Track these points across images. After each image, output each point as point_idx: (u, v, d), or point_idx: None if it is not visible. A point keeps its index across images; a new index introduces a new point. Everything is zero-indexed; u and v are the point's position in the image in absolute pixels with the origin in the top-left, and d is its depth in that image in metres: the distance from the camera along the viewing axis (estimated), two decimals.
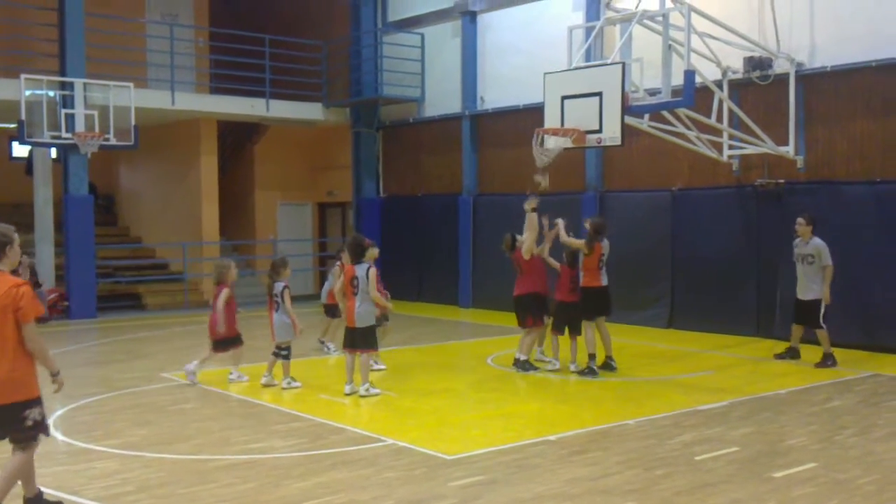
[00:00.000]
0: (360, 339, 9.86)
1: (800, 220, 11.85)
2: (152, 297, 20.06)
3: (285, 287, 10.52)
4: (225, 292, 10.69)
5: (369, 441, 7.94)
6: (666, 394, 10.16)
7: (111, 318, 17.87)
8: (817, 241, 11.68)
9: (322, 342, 13.02)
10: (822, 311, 11.63)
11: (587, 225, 11.63)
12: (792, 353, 12.17)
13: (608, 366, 11.26)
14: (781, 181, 13.98)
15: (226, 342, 10.82)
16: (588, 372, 10.99)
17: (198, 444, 7.94)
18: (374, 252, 10.59)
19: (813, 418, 8.78)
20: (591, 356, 11.09)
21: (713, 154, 13.83)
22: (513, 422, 8.84)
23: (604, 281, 11.37)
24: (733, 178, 14.72)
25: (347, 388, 9.93)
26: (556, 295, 11.49)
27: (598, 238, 11.28)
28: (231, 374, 10.91)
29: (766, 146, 13.47)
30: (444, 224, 19.30)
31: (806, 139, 13.85)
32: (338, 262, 11.92)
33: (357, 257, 9.88)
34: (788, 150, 13.64)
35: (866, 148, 13.29)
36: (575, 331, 11.37)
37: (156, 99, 18.51)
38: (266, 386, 10.47)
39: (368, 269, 9.77)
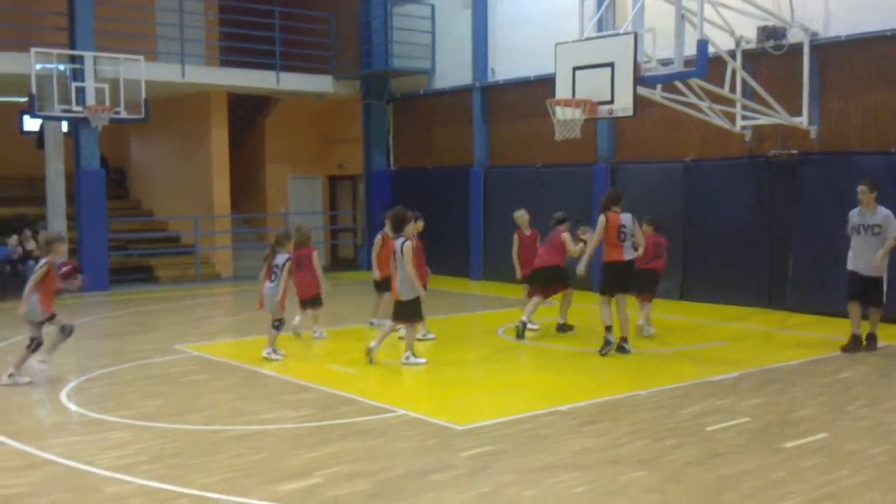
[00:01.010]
0: (400, 312, 10.00)
1: (862, 187, 10.66)
2: (164, 269, 20.13)
3: (288, 259, 10.59)
4: (316, 254, 11.39)
5: (380, 412, 7.97)
6: (677, 365, 10.16)
7: (123, 290, 17.96)
8: (884, 210, 10.59)
9: (371, 323, 12.46)
10: (885, 287, 10.63)
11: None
12: (857, 343, 10.72)
13: (622, 348, 10.58)
14: (794, 152, 13.87)
15: (315, 300, 11.68)
16: (604, 346, 10.53)
17: (209, 415, 7.99)
18: (418, 225, 10.71)
19: (824, 389, 8.77)
20: (608, 328, 10.58)
21: (726, 125, 13.72)
22: (523, 393, 8.86)
23: (626, 255, 10.63)
24: (746, 148, 14.61)
25: (373, 344, 10.07)
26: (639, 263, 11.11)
27: (609, 209, 10.68)
28: (314, 332, 11.76)
29: (780, 117, 13.35)
30: (455, 196, 19.26)
31: (820, 109, 13.72)
32: (380, 233, 12.04)
33: (397, 230, 9.94)
34: (802, 120, 13.53)
35: (881, 118, 13.16)
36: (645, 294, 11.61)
37: (166, 72, 18.46)
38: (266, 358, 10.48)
39: (404, 243, 9.82)
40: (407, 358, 10.03)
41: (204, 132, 20.93)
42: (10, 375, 9.17)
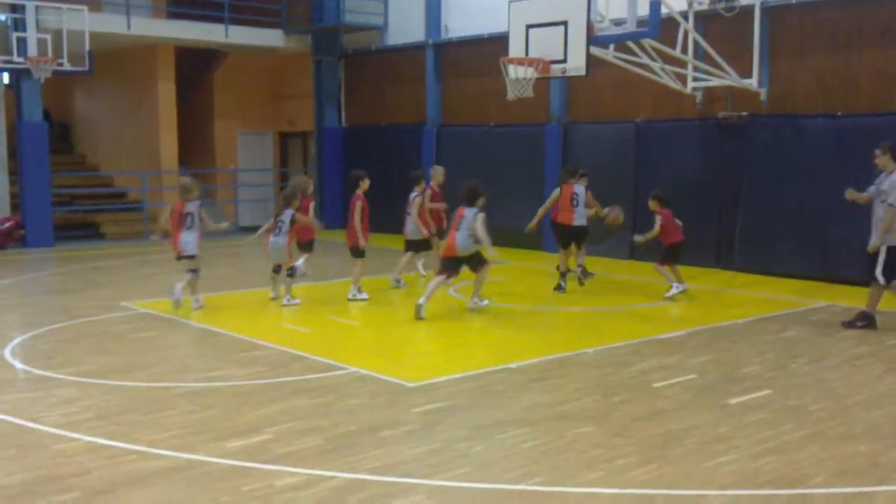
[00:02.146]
0: (472, 263, 10.74)
1: (877, 150, 9.72)
2: (110, 226, 19.80)
3: (293, 214, 11.19)
4: (313, 205, 12.26)
5: (331, 369, 7.97)
6: (626, 323, 10.28)
7: (69, 247, 17.63)
8: None
9: (398, 281, 12.81)
10: (882, 260, 9.48)
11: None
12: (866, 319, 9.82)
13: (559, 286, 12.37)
14: (744, 114, 14.02)
15: (309, 245, 12.95)
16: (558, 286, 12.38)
17: (158, 372, 7.91)
18: (364, 184, 11.78)
19: (768, 347, 8.95)
20: (562, 274, 12.49)
21: (677, 86, 13.80)
22: (475, 350, 8.92)
23: (576, 221, 12.17)
24: (697, 110, 14.73)
25: (422, 300, 10.39)
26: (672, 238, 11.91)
27: (566, 181, 12.27)
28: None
29: (730, 79, 13.46)
30: (408, 155, 19.12)
31: (769, 72, 13.86)
32: (413, 194, 12.80)
33: (471, 201, 10.70)
34: (752, 82, 13.65)
35: (828, 82, 13.34)
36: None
37: (111, 23, 18.00)
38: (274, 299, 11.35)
39: (477, 213, 10.58)
40: (475, 304, 10.88)
41: (150, 86, 20.52)
42: None
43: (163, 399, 7.05)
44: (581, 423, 6.41)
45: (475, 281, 10.88)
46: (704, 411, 6.72)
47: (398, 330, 10.03)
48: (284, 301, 11.14)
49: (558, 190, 12.32)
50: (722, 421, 6.48)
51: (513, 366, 8.08)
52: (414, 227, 12.64)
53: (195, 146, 22.18)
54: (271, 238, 11.20)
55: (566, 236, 12.39)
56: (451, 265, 10.74)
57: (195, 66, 22.43)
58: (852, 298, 11.72)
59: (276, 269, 11.41)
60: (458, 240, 10.55)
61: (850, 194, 10.22)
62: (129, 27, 18.14)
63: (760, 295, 12.13)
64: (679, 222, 12.03)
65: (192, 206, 10.89)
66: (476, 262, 10.78)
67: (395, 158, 19.49)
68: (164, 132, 20.42)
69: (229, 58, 21.77)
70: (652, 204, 12.04)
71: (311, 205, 12.79)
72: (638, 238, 12.23)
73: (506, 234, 16.78)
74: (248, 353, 8.61)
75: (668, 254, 11.94)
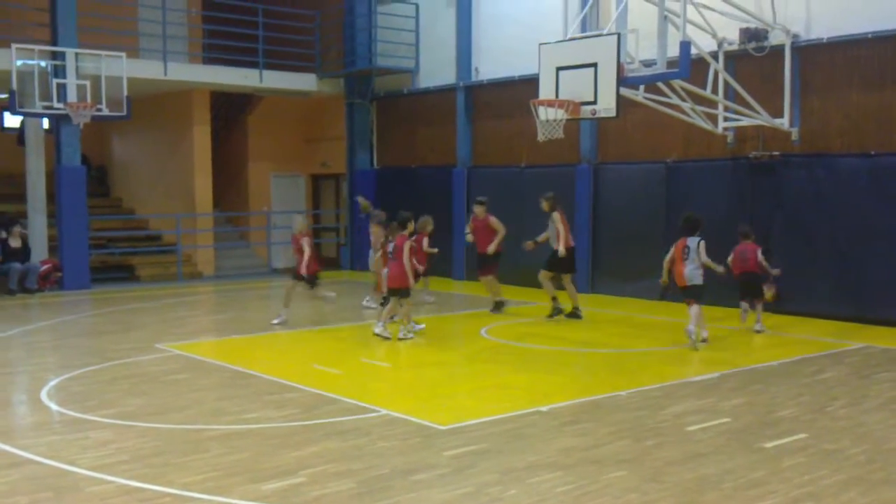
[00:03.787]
0: (694, 293, 11.39)
1: None
2: (145, 268, 20.03)
3: (405, 241, 11.75)
4: (408, 244, 11.84)
5: (363, 412, 7.97)
6: (658, 365, 10.21)
7: (104, 289, 17.85)
8: None
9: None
10: None
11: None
12: None
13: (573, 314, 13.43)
14: (776, 153, 13.97)
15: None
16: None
17: (192, 414, 7.96)
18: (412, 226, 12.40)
19: (804, 389, 8.84)
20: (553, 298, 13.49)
21: (708, 126, 13.80)
22: (505, 392, 8.88)
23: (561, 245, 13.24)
24: (728, 150, 14.70)
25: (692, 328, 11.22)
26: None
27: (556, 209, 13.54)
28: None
29: (761, 118, 13.44)
30: (439, 196, 19.24)
31: (801, 111, 13.83)
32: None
33: (692, 232, 11.47)
34: (783, 122, 13.62)
35: (861, 120, 13.27)
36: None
37: (148, 69, 18.37)
38: (380, 335, 11.51)
39: (699, 242, 11.37)
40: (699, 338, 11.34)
41: (186, 130, 20.85)
42: None
43: (196, 441, 7.09)
44: (615, 467, 6.36)
45: (696, 314, 11.33)
46: (739, 455, 6.64)
47: (429, 372, 10.02)
48: (401, 334, 11.62)
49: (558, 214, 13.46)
50: (757, 465, 6.39)
51: (544, 408, 8.04)
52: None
53: (229, 188, 22.46)
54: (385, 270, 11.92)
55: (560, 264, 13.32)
56: (688, 295, 11.51)
57: (230, 109, 22.81)
58: (889, 340, 11.57)
59: (388, 298, 12.04)
60: (688, 272, 11.32)
61: None
62: (165, 72, 18.49)
63: (795, 336, 11.99)
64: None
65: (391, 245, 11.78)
66: (698, 292, 11.44)
67: (427, 200, 19.60)
68: (198, 175, 20.71)
69: (263, 101, 22.10)
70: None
71: (424, 240, 13.63)
72: (528, 244, 13.88)
73: (537, 275, 16.78)
74: (281, 396, 8.64)
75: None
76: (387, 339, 11.44)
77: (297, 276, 12.89)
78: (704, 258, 11.37)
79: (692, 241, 11.46)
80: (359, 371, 9.97)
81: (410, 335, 11.65)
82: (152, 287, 18.50)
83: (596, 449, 6.83)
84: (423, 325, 12.12)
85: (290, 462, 6.49)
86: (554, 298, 13.33)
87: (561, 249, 13.15)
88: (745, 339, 12.00)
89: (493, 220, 14.06)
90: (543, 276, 13.38)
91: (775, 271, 12.42)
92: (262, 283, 18.75)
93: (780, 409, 8.04)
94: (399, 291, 11.69)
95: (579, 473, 6.23)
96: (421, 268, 12.71)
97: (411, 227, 12.20)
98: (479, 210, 14.21)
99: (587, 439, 7.10)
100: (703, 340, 11.27)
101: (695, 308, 11.29)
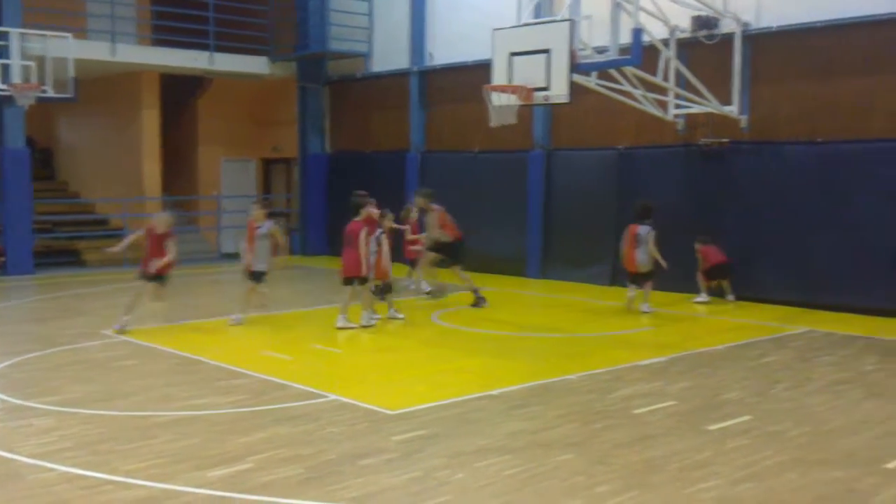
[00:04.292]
0: (643, 279, 12.52)
1: None
2: (92, 253, 19.69)
3: (383, 233, 11.79)
4: (364, 231, 11.53)
5: (312, 397, 7.93)
6: (607, 349, 10.30)
7: (49, 274, 17.53)
8: None
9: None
10: None
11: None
12: None
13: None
14: (726, 140, 14.13)
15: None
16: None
17: (138, 401, 7.85)
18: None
19: (749, 373, 8.97)
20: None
21: (659, 113, 13.89)
22: (456, 377, 8.89)
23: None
24: (679, 136, 14.83)
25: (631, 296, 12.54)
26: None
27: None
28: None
29: (711, 106, 13.58)
30: (392, 181, 19.16)
31: (750, 99, 13.99)
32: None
33: (643, 219, 12.33)
34: (733, 109, 13.77)
35: (809, 108, 13.47)
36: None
37: (95, 50, 18.01)
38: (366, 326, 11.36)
39: (650, 231, 12.28)
40: (648, 307, 12.54)
41: (134, 112, 20.51)
42: None
43: (142, 428, 6.99)
44: (562, 451, 6.40)
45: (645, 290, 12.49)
46: (685, 437, 6.72)
47: (380, 357, 10.00)
48: (390, 315, 11.83)
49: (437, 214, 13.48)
50: (703, 447, 6.48)
51: (495, 392, 8.07)
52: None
53: (178, 173, 22.15)
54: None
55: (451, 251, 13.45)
56: (635, 280, 12.51)
57: (179, 92, 22.45)
58: (833, 324, 11.80)
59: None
60: (639, 258, 12.28)
61: None
62: (113, 54, 18.16)
63: (742, 321, 12.18)
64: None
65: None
66: (650, 276, 12.46)
67: (380, 185, 19.51)
68: (147, 159, 20.40)
69: (214, 84, 21.80)
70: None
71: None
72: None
73: (489, 260, 16.85)
74: (229, 382, 8.55)
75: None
76: (352, 328, 11.28)
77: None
78: (653, 248, 12.14)
79: (643, 229, 12.22)
80: (309, 357, 9.91)
81: (373, 321, 11.51)
82: (99, 272, 18.19)
83: (545, 432, 6.87)
84: (379, 316, 11.88)
85: (237, 448, 6.43)
86: (475, 290, 13.29)
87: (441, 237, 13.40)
88: (693, 323, 12.16)
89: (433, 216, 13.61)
90: (431, 260, 13.62)
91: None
92: (211, 269, 18.55)
93: (726, 392, 8.16)
94: (353, 280, 11.47)
95: (527, 457, 6.26)
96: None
97: (365, 212, 11.66)
98: (420, 202, 14.01)
99: (536, 423, 7.14)
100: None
101: (647, 286, 12.42)
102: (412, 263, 14.84)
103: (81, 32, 18.24)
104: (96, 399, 7.86)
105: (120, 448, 6.44)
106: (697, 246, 13.74)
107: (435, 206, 13.60)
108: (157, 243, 11.41)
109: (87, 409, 7.52)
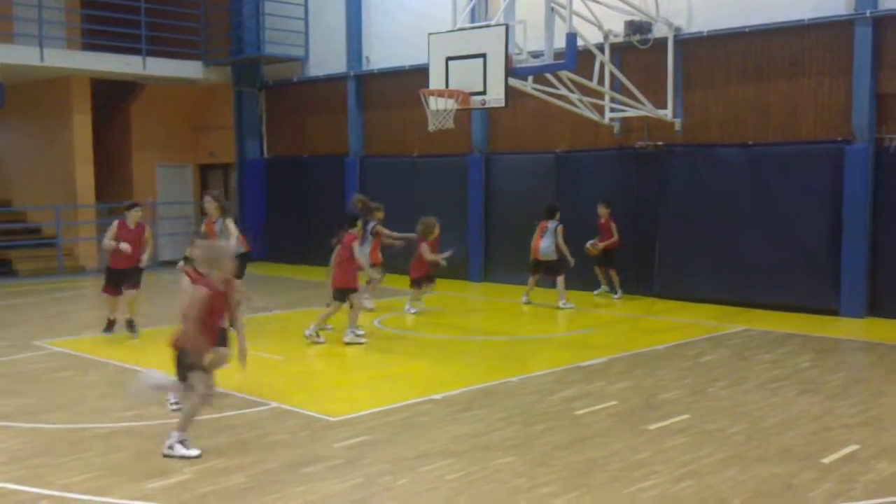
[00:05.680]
0: (546, 267, 13.67)
1: None
2: (24, 262, 19.19)
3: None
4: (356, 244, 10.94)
5: (253, 405, 7.84)
6: (549, 351, 10.38)
7: None
8: None
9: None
10: None
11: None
12: None
13: None
14: (660, 143, 14.35)
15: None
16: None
17: (73, 413, 7.67)
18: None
19: (687, 372, 9.12)
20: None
21: (595, 117, 14.06)
22: (399, 382, 8.88)
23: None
24: (614, 140, 15.03)
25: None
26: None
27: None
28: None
29: (646, 109, 13.78)
30: (330, 186, 19.08)
31: (684, 103, 14.24)
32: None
33: (550, 216, 13.67)
34: (667, 113, 14.00)
35: (740, 112, 13.76)
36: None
37: (23, 55, 17.59)
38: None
39: (557, 225, 13.61)
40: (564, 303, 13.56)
41: (65, 118, 20.05)
42: None
43: (78, 441, 6.83)
44: (504, 453, 6.43)
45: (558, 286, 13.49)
46: (625, 437, 6.80)
47: (322, 363, 9.95)
48: (348, 338, 10.67)
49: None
50: (642, 447, 6.56)
51: (437, 397, 8.07)
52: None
53: (112, 179, 21.69)
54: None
55: None
56: (535, 267, 13.69)
57: (112, 97, 22.01)
58: (768, 322, 12.06)
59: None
60: (543, 247, 13.50)
61: None
62: (42, 59, 17.75)
63: (679, 321, 12.37)
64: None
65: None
66: (555, 267, 13.45)
67: (318, 190, 19.44)
68: (79, 165, 19.95)
69: (147, 89, 21.43)
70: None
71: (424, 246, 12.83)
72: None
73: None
74: (166, 392, 8.39)
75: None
76: (318, 341, 10.72)
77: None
78: (561, 242, 13.41)
79: (551, 224, 13.61)
80: (251, 365, 9.74)
81: (361, 339, 10.81)
82: (32, 282, 17.75)
83: (487, 435, 6.89)
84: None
85: (175, 460, 6.31)
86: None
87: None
88: (631, 324, 12.31)
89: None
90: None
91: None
92: (148, 276, 18.17)
93: (664, 392, 8.28)
94: (347, 292, 10.74)
95: (469, 460, 6.27)
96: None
97: (360, 226, 11.16)
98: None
99: (478, 426, 7.16)
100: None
101: (560, 281, 13.45)
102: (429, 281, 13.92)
103: (8, 37, 17.82)
104: (28, 412, 7.66)
105: (54, 462, 6.29)
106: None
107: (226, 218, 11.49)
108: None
109: (20, 422, 7.33)
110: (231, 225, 11.22)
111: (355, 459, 6.30)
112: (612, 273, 14.48)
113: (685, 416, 7.38)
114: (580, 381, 8.73)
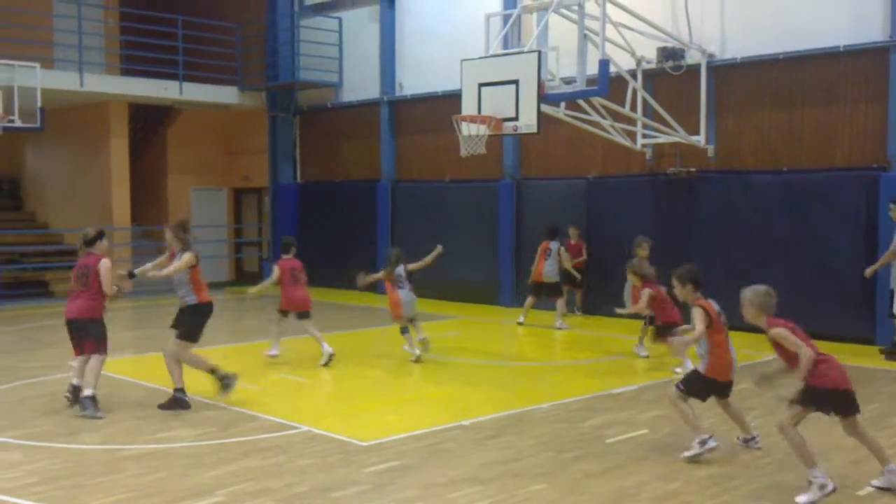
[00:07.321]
0: (549, 290, 14.00)
1: (890, 204, 11.31)
2: (59, 283, 19.44)
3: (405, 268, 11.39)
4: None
5: (283, 429, 7.87)
6: (579, 378, 10.32)
7: (16, 305, 17.29)
8: None
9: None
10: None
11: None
12: None
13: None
14: (693, 170, 14.30)
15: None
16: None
17: (106, 434, 7.75)
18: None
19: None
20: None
21: (627, 143, 14.06)
22: (428, 407, 8.87)
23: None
24: (646, 166, 15.00)
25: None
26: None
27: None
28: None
29: (678, 135, 13.75)
30: (363, 210, 19.20)
31: (716, 129, 14.19)
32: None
33: (552, 237, 14.04)
34: (699, 139, 13.96)
35: (773, 138, 13.68)
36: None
37: (63, 80, 17.91)
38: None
39: (560, 247, 14.07)
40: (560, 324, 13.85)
41: (103, 142, 20.38)
42: None
43: (110, 462, 6.90)
44: (534, 481, 6.40)
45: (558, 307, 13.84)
46: (656, 467, 6.74)
47: (350, 387, 9.96)
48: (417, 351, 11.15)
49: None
50: (673, 476, 6.50)
51: (466, 423, 8.05)
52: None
53: (148, 202, 22.00)
54: (401, 293, 11.19)
55: None
56: (536, 290, 14.04)
57: (148, 121, 22.37)
58: None
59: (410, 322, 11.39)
60: (546, 270, 13.75)
61: (870, 271, 11.50)
62: (81, 84, 18.06)
63: None
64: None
65: (400, 270, 11.35)
66: (557, 289, 13.86)
67: (351, 214, 19.55)
68: (116, 188, 20.24)
69: (183, 114, 21.75)
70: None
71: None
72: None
73: (461, 288, 16.89)
74: (198, 414, 8.47)
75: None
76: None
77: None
78: (565, 262, 13.86)
79: (554, 245, 13.85)
80: (278, 387, 9.84)
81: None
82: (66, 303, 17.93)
83: (516, 462, 6.86)
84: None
85: (206, 482, 6.36)
86: None
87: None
88: (663, 352, 12.19)
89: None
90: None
91: None
92: (168, 300, 18.34)
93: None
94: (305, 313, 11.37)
95: (499, 487, 6.25)
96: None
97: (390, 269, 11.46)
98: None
99: (508, 453, 7.13)
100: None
101: (560, 302, 13.78)
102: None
103: (49, 62, 18.15)
104: (63, 433, 7.75)
105: (87, 483, 6.36)
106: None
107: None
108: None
109: (54, 442, 7.42)
110: (185, 258, 9.84)
111: (385, 485, 6.30)
112: (578, 294, 15.22)
113: (717, 446, 7.29)
114: (611, 408, 8.68)
